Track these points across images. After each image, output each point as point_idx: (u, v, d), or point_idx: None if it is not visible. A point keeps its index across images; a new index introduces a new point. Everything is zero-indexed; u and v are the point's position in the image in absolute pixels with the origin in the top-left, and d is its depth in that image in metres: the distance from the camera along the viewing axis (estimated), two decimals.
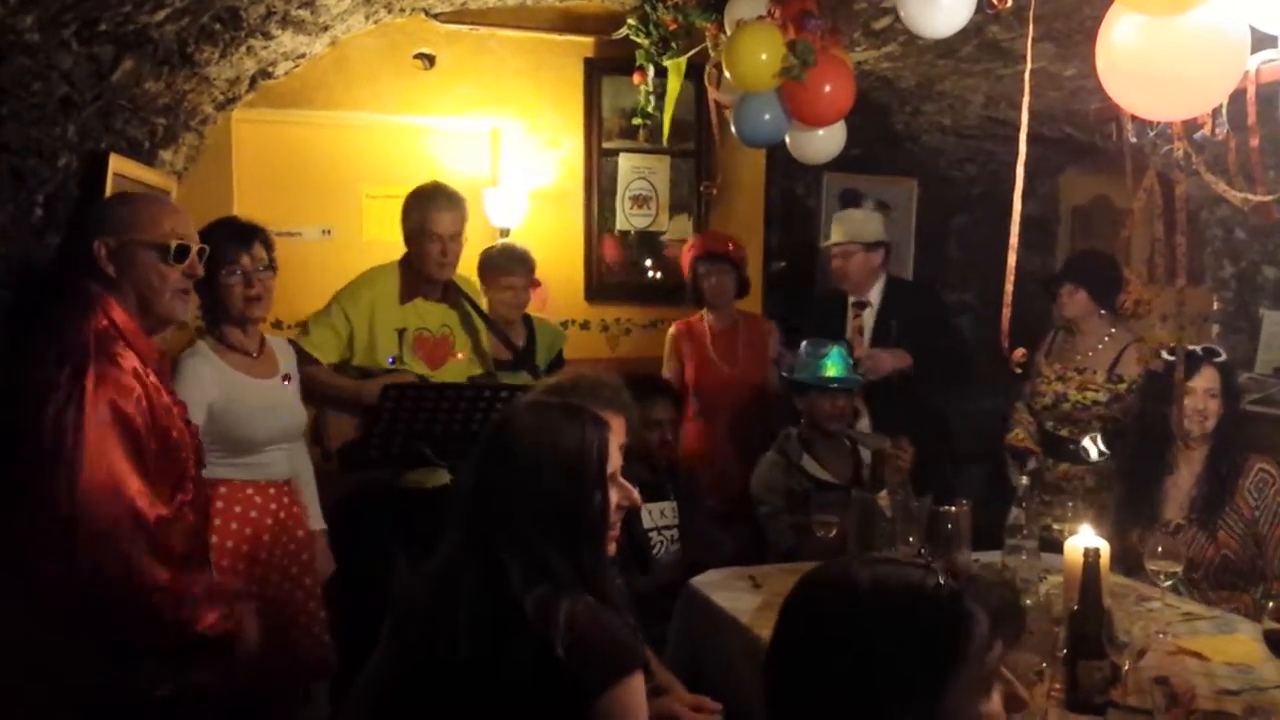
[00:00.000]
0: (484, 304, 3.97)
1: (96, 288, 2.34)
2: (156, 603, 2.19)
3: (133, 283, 2.36)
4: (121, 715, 2.24)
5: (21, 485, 2.16)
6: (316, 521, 3.27)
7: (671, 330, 4.68)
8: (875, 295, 4.47)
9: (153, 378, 2.33)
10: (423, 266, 3.63)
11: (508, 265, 4.19)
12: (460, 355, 3.72)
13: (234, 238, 2.97)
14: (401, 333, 3.62)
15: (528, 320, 4.31)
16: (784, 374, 4.00)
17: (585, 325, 5.05)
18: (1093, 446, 3.81)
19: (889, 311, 4.42)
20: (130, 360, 2.26)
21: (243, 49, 3.47)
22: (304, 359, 3.48)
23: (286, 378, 3.14)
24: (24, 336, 2.37)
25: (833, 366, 3.76)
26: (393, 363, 3.57)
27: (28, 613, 2.20)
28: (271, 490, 3.03)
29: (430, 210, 3.59)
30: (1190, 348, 3.22)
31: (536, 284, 4.40)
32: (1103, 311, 3.89)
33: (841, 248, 4.41)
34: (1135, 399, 3.66)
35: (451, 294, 3.73)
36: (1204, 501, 3.24)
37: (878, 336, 4.39)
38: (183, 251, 2.41)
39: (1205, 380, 3.26)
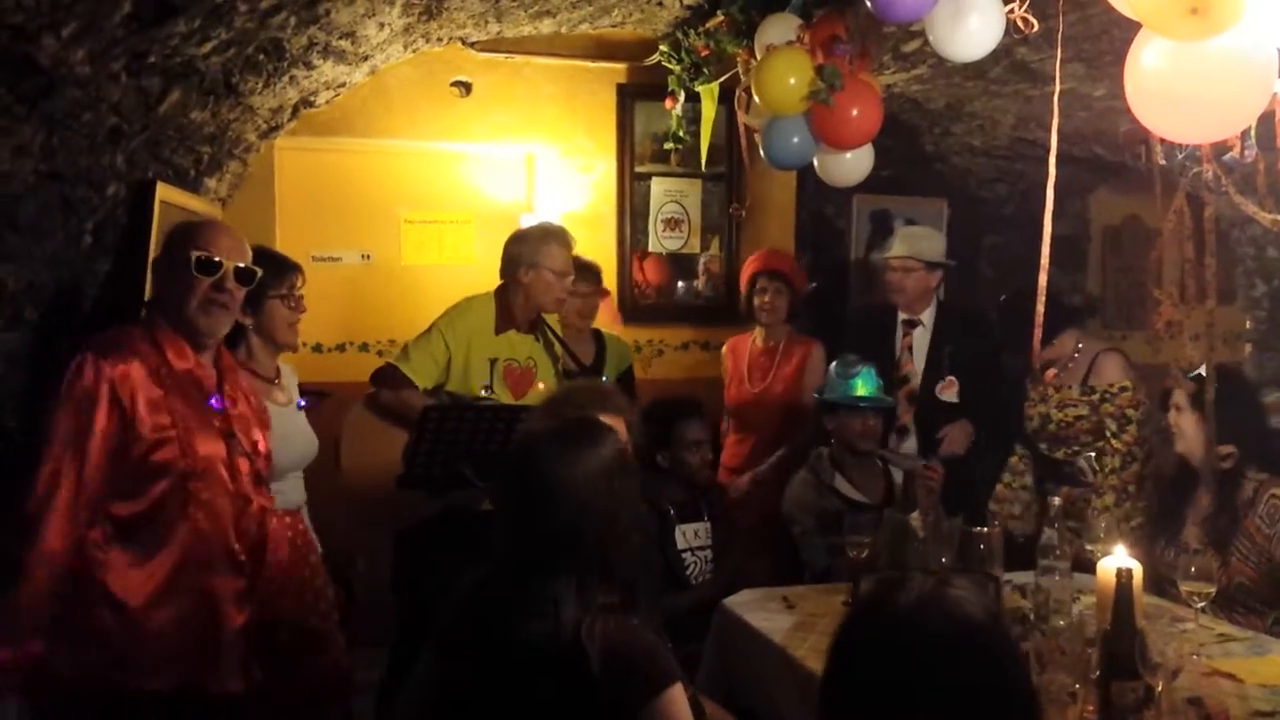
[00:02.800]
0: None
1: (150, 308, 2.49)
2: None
3: (167, 294, 2.49)
4: None
5: None
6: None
7: (724, 348, 4.74)
8: (928, 317, 4.40)
9: (179, 379, 2.45)
10: (542, 301, 3.73)
11: (577, 275, 4.20)
12: (541, 386, 3.78)
13: (280, 266, 3.04)
14: (493, 362, 3.70)
15: (598, 336, 4.38)
16: (815, 394, 4.01)
17: None
18: (1088, 466, 3.79)
19: (943, 337, 4.36)
20: (128, 366, 2.38)
21: (285, 79, 3.55)
22: (401, 382, 3.57)
23: (301, 404, 3.20)
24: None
25: (863, 386, 3.77)
26: (486, 390, 3.64)
27: None
28: (288, 519, 3.06)
29: (557, 246, 3.72)
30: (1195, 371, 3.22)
31: (605, 293, 4.48)
32: (1055, 341, 3.82)
33: (901, 262, 4.35)
34: (1157, 418, 3.63)
35: (539, 326, 3.81)
36: (1215, 527, 3.21)
37: (931, 362, 4.33)
38: (209, 265, 2.49)
39: (1176, 398, 3.26)
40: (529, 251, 3.72)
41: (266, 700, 2.61)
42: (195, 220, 2.71)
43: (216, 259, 2.49)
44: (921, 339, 4.38)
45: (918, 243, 4.40)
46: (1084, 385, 3.83)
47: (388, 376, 3.61)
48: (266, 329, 3.02)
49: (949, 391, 4.26)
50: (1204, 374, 3.09)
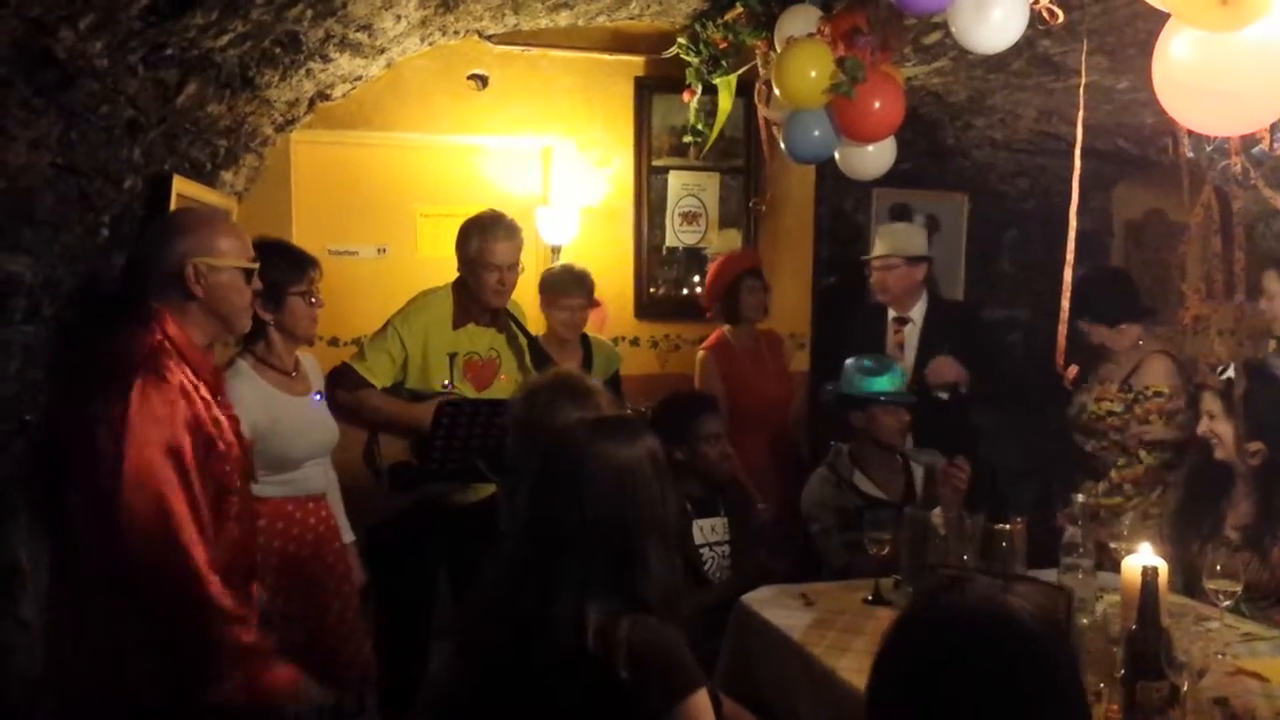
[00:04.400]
0: (541, 323, 4.02)
1: (155, 304, 2.38)
2: (206, 623, 2.21)
3: (215, 302, 2.41)
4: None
5: (70, 498, 2.22)
6: (347, 534, 3.34)
7: (702, 354, 4.64)
8: (917, 313, 4.46)
9: (204, 391, 2.36)
10: (479, 294, 3.69)
11: (566, 286, 4.26)
12: (504, 377, 3.77)
13: (300, 261, 3.08)
14: (453, 357, 3.68)
15: (585, 341, 4.36)
16: (828, 388, 3.98)
17: (635, 342, 5.07)
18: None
19: (934, 331, 4.41)
20: (179, 375, 2.29)
21: (302, 72, 3.54)
22: (357, 382, 3.55)
23: (319, 394, 3.23)
24: (83, 352, 2.44)
25: (890, 381, 3.74)
26: (447, 387, 3.63)
27: (76, 623, 2.26)
28: (310, 504, 3.10)
29: (489, 240, 3.64)
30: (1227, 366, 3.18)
31: (596, 304, 4.46)
32: (1122, 326, 3.81)
33: (883, 260, 4.42)
34: (1190, 415, 3.60)
35: (500, 318, 3.78)
36: (1253, 523, 3.18)
37: (923, 358, 4.36)
38: (252, 273, 2.50)
39: (1206, 404, 3.23)
40: (463, 247, 3.70)
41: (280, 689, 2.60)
42: (218, 218, 2.64)
43: (254, 266, 2.50)
44: (912, 335, 4.43)
45: (897, 239, 4.46)
46: (1124, 383, 3.79)
47: (343, 377, 3.58)
48: (287, 324, 3.05)
49: (941, 374, 4.25)
50: (1232, 375, 3.06)
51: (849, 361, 3.87)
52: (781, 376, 4.65)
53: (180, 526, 2.18)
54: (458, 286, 3.75)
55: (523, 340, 3.82)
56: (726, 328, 4.61)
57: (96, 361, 2.31)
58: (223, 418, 2.42)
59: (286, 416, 3.00)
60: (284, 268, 2.99)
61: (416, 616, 3.70)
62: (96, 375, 2.26)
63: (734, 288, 4.55)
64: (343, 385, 3.57)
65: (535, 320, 4.27)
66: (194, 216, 2.60)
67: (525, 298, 4.15)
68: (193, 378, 2.33)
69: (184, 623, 2.20)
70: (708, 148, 4.51)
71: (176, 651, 2.21)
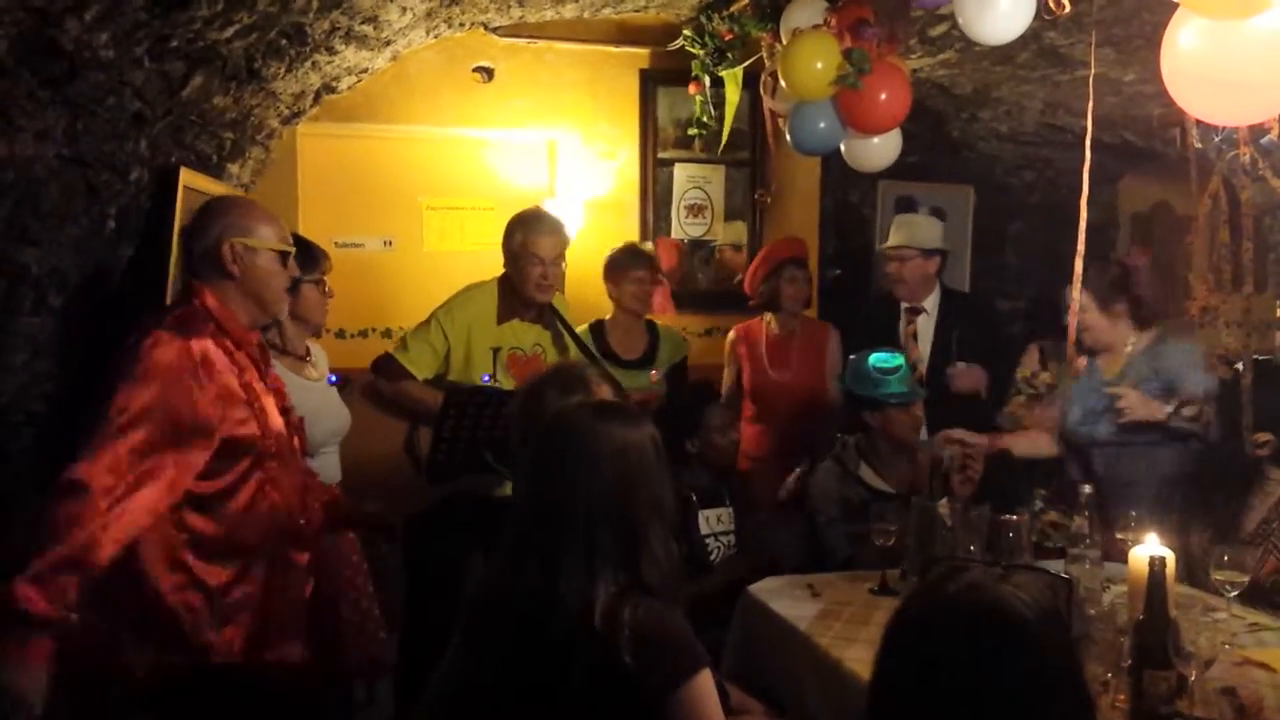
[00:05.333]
0: (606, 309, 4.12)
1: (195, 283, 2.48)
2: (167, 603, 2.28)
3: (251, 282, 2.49)
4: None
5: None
6: None
7: (731, 335, 4.69)
8: (931, 304, 4.45)
9: (241, 359, 2.45)
10: (523, 288, 3.71)
11: (632, 262, 4.31)
12: None
13: (313, 252, 3.17)
14: (496, 351, 3.70)
15: (651, 327, 4.39)
16: (840, 381, 3.96)
17: None
18: None
19: (947, 322, 4.40)
20: (205, 342, 2.36)
21: (308, 64, 3.54)
22: (398, 373, 3.56)
23: (332, 380, 3.30)
24: (105, 341, 2.46)
25: (896, 384, 3.72)
26: (487, 380, 3.64)
27: None
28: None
29: (533, 234, 3.68)
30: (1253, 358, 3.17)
31: (660, 281, 4.50)
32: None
33: (898, 251, 4.39)
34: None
35: (546, 314, 3.79)
36: (1257, 518, 3.17)
37: (937, 348, 4.37)
38: (288, 256, 2.58)
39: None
40: (508, 242, 3.73)
41: (311, 675, 2.62)
42: (257, 204, 2.69)
43: (290, 250, 2.60)
44: (926, 325, 4.43)
45: (913, 230, 4.43)
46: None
47: (385, 367, 3.61)
48: (301, 311, 3.12)
49: (966, 381, 4.25)
50: (1240, 366, 3.05)
51: (853, 359, 3.82)
52: (812, 371, 4.54)
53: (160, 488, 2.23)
54: (503, 281, 3.77)
55: (568, 339, 3.82)
56: (768, 315, 4.59)
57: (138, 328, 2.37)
58: (265, 390, 2.52)
59: (302, 401, 3.02)
60: (298, 258, 3.02)
61: (446, 607, 3.70)
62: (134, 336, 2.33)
63: (774, 276, 4.54)
64: (384, 375, 3.59)
65: (596, 309, 4.37)
66: (232, 200, 2.69)
67: (580, 292, 4.27)
68: (231, 348, 2.43)
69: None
70: (724, 141, 4.52)
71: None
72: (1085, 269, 2.68)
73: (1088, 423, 3.61)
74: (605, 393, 2.51)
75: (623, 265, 4.31)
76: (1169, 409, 3.34)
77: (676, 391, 4.24)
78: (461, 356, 3.67)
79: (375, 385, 3.55)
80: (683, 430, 3.72)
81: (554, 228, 3.75)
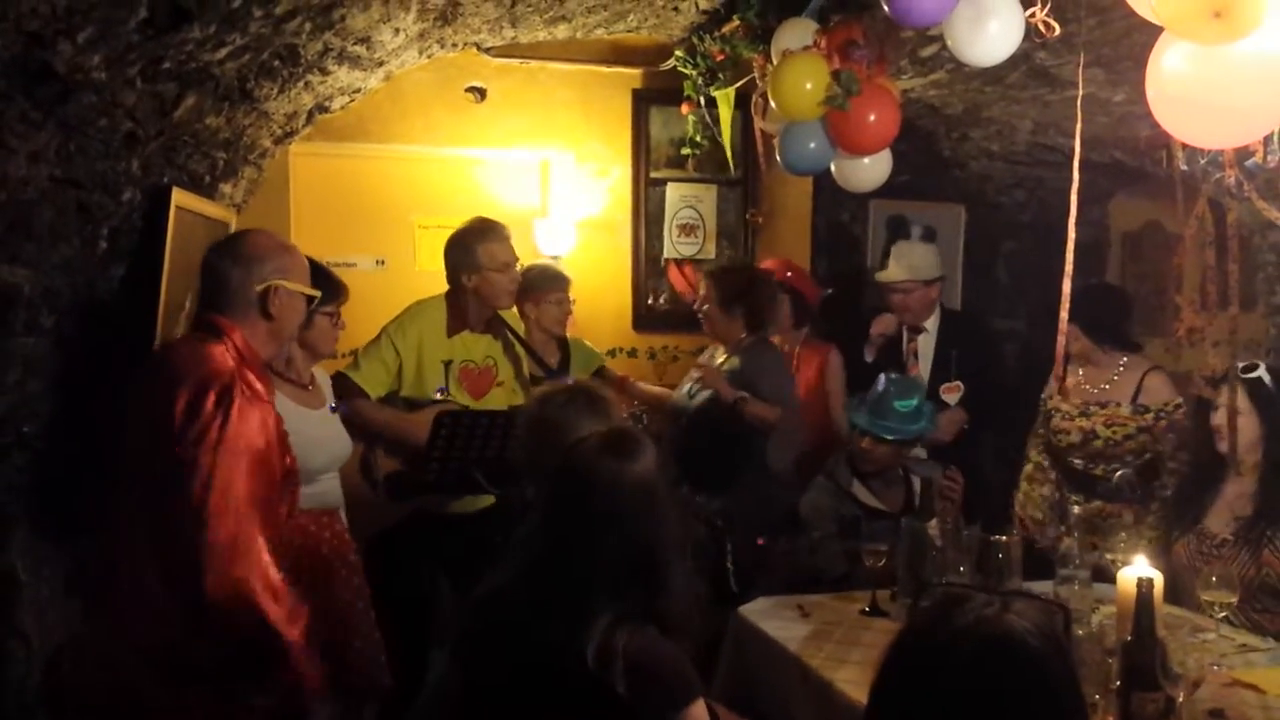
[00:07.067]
0: (523, 327, 4.06)
1: (226, 321, 2.47)
2: (278, 655, 2.28)
3: (282, 322, 2.52)
4: None
5: (154, 504, 2.27)
6: None
7: None
8: (931, 323, 4.64)
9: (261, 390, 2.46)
10: (494, 299, 3.72)
11: (552, 282, 4.30)
12: (501, 386, 3.78)
13: (335, 287, 3.18)
14: (448, 365, 3.70)
15: (563, 342, 4.39)
16: (854, 427, 3.94)
17: (633, 353, 5.08)
18: (1126, 484, 3.75)
19: (947, 342, 4.58)
20: (258, 384, 2.40)
21: (300, 84, 3.54)
22: (352, 391, 3.55)
23: (334, 407, 3.27)
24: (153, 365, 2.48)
25: (925, 422, 3.76)
26: (441, 393, 3.64)
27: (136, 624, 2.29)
28: (325, 518, 3.12)
29: (493, 242, 3.70)
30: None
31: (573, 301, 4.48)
32: (1106, 347, 3.84)
33: (902, 285, 4.53)
34: (1187, 426, 3.61)
35: (495, 324, 3.80)
36: (1252, 519, 3.16)
37: (938, 366, 4.54)
38: (313, 300, 2.64)
39: (1226, 398, 3.22)
40: (467, 258, 3.71)
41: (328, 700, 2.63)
42: (288, 244, 2.73)
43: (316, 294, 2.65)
44: (926, 344, 4.62)
45: (913, 262, 4.58)
46: (1135, 404, 3.78)
47: (337, 386, 3.60)
48: (310, 340, 3.13)
49: (952, 394, 4.46)
50: (1264, 375, 3.07)
51: (873, 398, 3.79)
52: (817, 389, 4.56)
53: (255, 562, 2.26)
54: (449, 296, 3.77)
55: (519, 348, 3.83)
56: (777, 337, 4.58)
57: (179, 376, 2.34)
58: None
59: (304, 429, 3.01)
60: (319, 286, 3.02)
61: (415, 626, 3.70)
62: (185, 388, 2.30)
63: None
64: (337, 394, 3.57)
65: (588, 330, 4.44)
66: (274, 240, 2.67)
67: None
68: (252, 379, 2.44)
69: (237, 630, 2.25)
70: (732, 161, 4.59)
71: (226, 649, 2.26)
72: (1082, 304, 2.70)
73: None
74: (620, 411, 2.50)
75: (541, 286, 4.27)
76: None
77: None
78: (413, 371, 3.67)
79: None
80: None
81: (506, 232, 3.78)
